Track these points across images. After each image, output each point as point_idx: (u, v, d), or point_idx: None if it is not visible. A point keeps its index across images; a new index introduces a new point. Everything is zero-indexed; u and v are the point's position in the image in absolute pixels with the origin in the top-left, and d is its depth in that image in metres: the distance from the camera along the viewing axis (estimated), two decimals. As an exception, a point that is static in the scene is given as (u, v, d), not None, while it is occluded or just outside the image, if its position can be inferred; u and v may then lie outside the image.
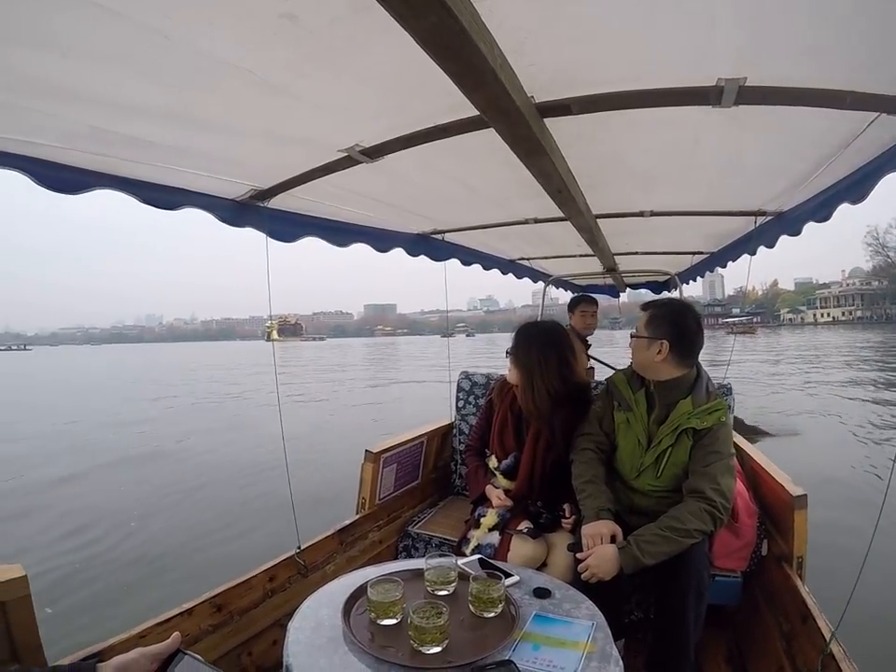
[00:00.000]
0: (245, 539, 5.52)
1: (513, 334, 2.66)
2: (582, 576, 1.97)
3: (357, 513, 3.00)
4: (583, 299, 4.70)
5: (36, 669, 1.13)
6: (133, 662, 1.08)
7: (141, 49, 1.23)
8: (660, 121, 1.73)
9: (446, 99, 1.51)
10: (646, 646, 2.29)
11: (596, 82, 1.51)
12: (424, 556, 2.80)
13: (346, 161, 2.01)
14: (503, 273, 4.85)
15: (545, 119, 1.65)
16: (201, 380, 27.81)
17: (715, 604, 2.25)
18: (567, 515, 2.45)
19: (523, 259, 4.70)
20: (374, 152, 1.94)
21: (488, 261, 4.43)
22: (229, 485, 7.61)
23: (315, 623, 1.55)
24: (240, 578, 2.29)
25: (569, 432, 2.52)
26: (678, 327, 2.19)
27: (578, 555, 2.05)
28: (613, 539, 2.05)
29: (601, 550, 1.99)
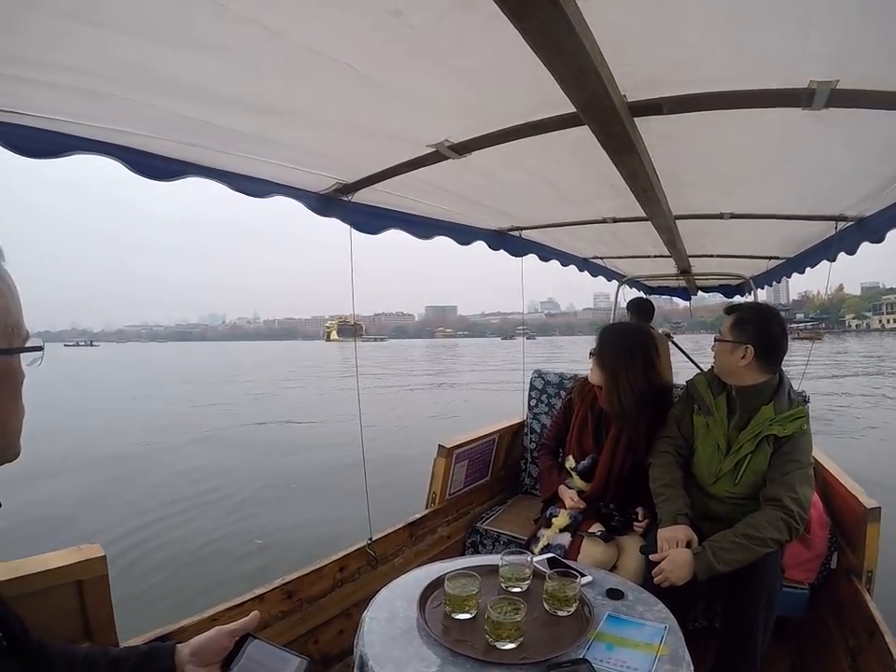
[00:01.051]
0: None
1: (597, 335, 2.65)
2: (655, 579, 1.95)
3: (426, 507, 3.03)
4: (635, 308, 4.68)
5: (113, 649, 1.14)
6: (210, 640, 1.11)
7: (239, 41, 1.25)
8: (748, 123, 1.69)
9: (540, 96, 1.51)
10: (709, 655, 2.24)
11: (688, 82, 1.48)
12: (491, 553, 2.82)
13: (434, 157, 2.02)
14: (580, 270, 4.81)
15: (636, 119, 1.62)
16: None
17: (780, 615, 2.18)
18: (640, 519, 2.42)
19: (597, 257, 4.65)
20: (462, 148, 1.94)
21: (564, 258, 4.40)
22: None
23: (390, 614, 1.57)
24: (311, 566, 2.33)
25: (651, 435, 2.49)
26: (763, 332, 2.14)
27: (652, 557, 2.02)
28: (688, 545, 2.01)
29: (676, 554, 1.96)
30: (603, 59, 1.26)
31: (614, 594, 1.71)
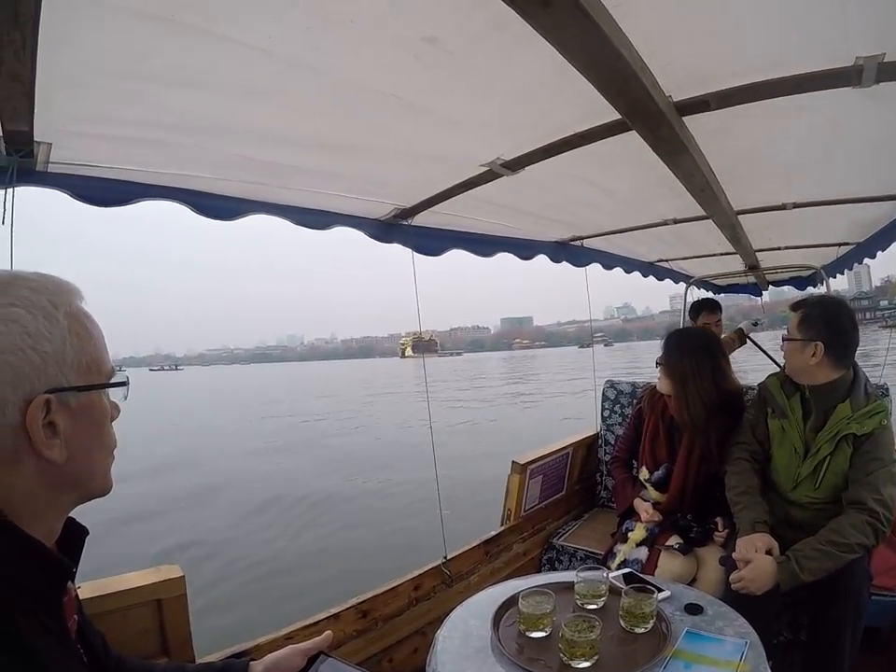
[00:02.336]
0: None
1: (662, 342, 2.62)
2: (733, 586, 1.89)
3: (501, 525, 3.01)
4: (705, 305, 4.26)
5: (190, 665, 1.17)
6: (283, 658, 1.12)
7: (288, 83, 1.33)
8: (797, 108, 1.64)
9: (586, 107, 1.52)
10: (794, 670, 2.14)
11: (732, 74, 1.45)
12: (568, 569, 2.79)
13: (488, 175, 2.05)
14: (644, 276, 4.74)
15: (684, 118, 1.61)
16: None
17: (869, 626, 2.07)
18: (720, 529, 2.36)
19: (661, 260, 4.58)
20: (515, 164, 1.96)
21: (628, 265, 4.35)
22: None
23: (464, 633, 1.57)
24: (386, 585, 2.35)
25: (725, 441, 2.42)
26: (832, 326, 2.05)
27: (735, 557, 1.97)
28: (769, 554, 1.94)
29: (759, 562, 1.89)
30: (643, 62, 1.26)
31: (693, 608, 1.67)
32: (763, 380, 2.40)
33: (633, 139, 1.62)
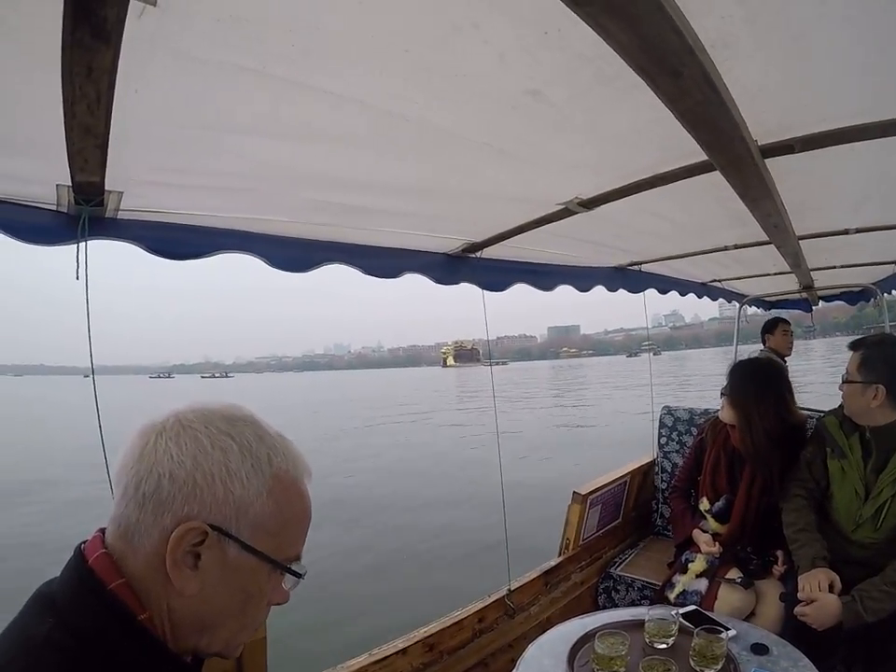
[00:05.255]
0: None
1: (728, 372, 2.61)
2: (799, 617, 1.91)
3: (559, 555, 3.01)
4: (782, 319, 4.72)
5: None
6: None
7: (378, 130, 1.32)
8: (879, 147, 1.61)
9: (672, 150, 1.53)
10: None
11: (821, 120, 1.44)
12: (625, 599, 2.78)
13: (563, 213, 2.04)
14: (698, 297, 4.71)
15: (766, 160, 1.61)
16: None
17: None
18: (780, 563, 2.35)
19: (715, 280, 4.53)
20: (591, 203, 1.95)
21: (683, 287, 4.33)
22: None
23: (539, 672, 1.60)
24: (452, 618, 2.37)
25: (785, 474, 2.41)
26: (894, 368, 2.04)
27: (800, 597, 1.96)
28: (831, 588, 1.95)
29: (826, 601, 1.90)
30: (738, 111, 1.26)
31: (759, 649, 1.70)
32: (821, 417, 2.40)
33: (711, 178, 1.62)
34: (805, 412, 2.86)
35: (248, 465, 0.71)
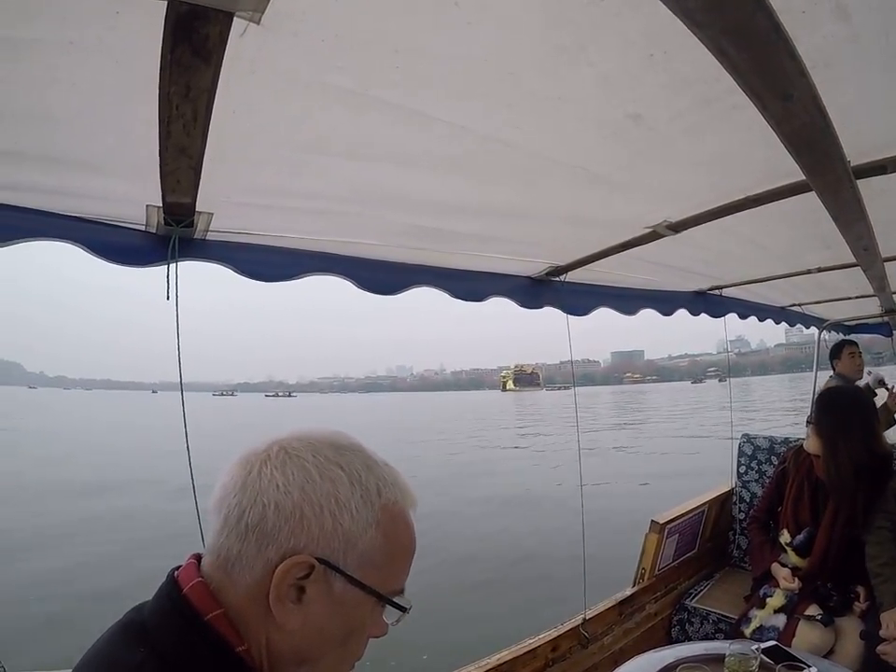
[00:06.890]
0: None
1: (814, 401, 2.55)
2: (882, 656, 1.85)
3: (634, 584, 2.94)
4: (847, 341, 4.54)
5: None
6: None
7: (476, 156, 1.32)
8: None
9: (767, 172, 1.50)
10: None
11: (914, 138, 1.41)
12: (699, 632, 2.68)
13: (650, 236, 2.02)
14: (776, 323, 4.59)
15: (858, 181, 1.56)
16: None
17: None
18: (861, 601, 2.25)
19: (794, 305, 4.42)
20: (679, 226, 1.92)
21: (762, 312, 4.23)
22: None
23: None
24: (525, 646, 2.32)
25: (870, 507, 2.31)
26: None
27: (882, 635, 1.92)
28: None
29: None
30: (835, 132, 1.24)
31: (840, 687, 1.60)
32: None
33: (802, 200, 1.59)
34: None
35: (358, 496, 0.69)
